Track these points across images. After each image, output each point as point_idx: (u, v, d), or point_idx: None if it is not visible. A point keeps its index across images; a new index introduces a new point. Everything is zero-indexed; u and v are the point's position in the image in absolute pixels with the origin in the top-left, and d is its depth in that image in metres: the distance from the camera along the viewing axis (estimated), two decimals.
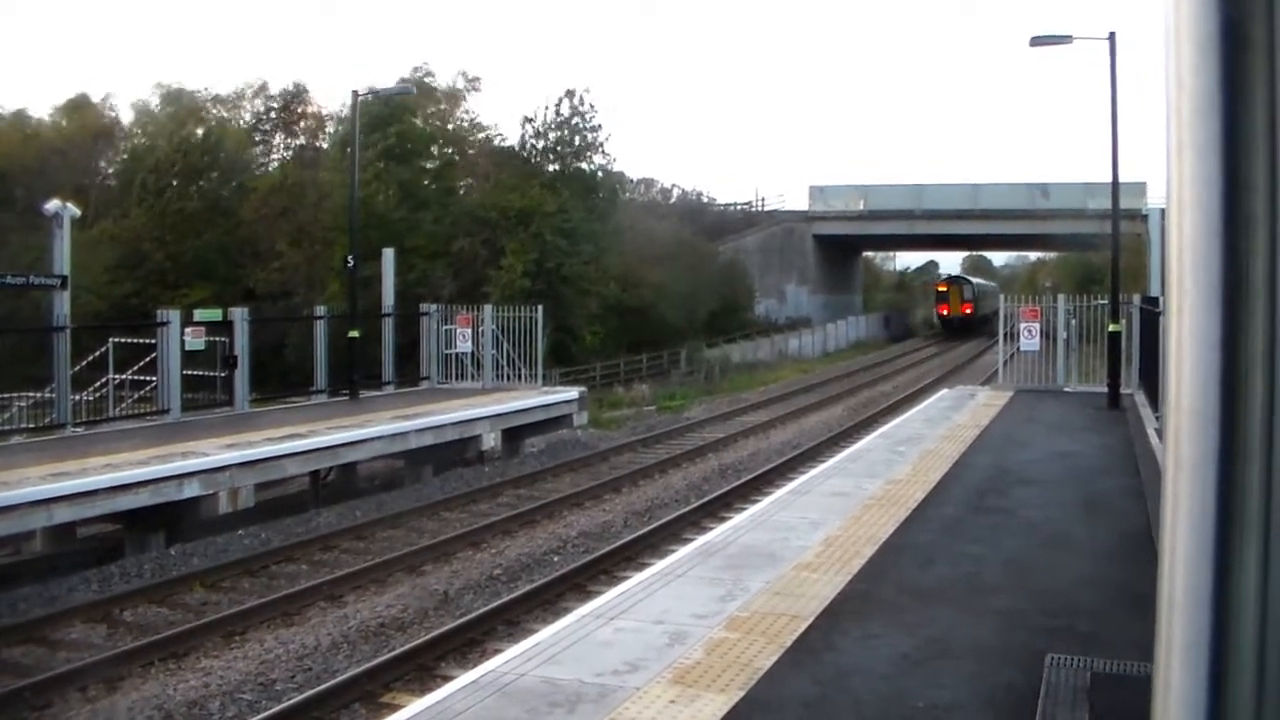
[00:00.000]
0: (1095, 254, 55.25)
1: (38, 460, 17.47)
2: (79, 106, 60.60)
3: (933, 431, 20.78)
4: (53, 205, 23.50)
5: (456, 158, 54.25)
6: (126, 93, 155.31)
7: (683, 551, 12.25)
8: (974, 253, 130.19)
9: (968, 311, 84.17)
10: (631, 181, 71.37)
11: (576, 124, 52.05)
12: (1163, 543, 1.14)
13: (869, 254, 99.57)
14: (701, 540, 12.74)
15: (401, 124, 48.53)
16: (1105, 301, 26.73)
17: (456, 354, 31.02)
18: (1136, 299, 27.49)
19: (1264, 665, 1.09)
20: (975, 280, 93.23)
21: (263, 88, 59.61)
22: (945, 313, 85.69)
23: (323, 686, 11.38)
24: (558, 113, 51.96)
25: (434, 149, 53.33)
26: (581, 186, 51.61)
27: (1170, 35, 1.14)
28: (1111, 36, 24.35)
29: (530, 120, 52.22)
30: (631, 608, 9.79)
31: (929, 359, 64.11)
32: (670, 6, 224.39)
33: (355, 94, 30.30)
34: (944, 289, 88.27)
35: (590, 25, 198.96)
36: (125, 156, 59.18)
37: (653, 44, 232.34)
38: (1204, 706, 1.09)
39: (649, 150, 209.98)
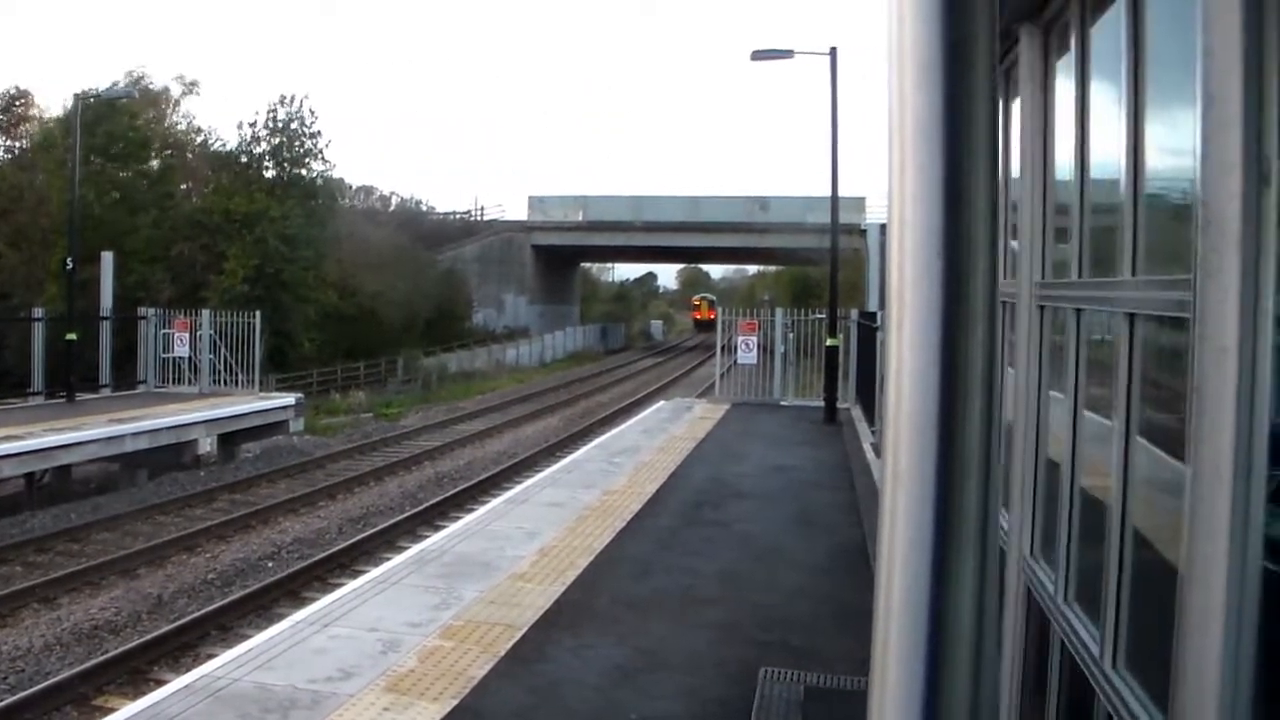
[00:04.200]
0: (814, 268, 56.52)
1: None
2: None
3: (650, 443, 20.92)
4: None
5: (175, 162, 53.03)
6: None
7: (398, 559, 12.31)
8: (692, 265, 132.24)
9: (712, 317, 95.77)
10: (351, 188, 70.73)
11: (295, 130, 51.71)
12: (880, 554, 1.13)
13: (587, 265, 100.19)
14: (417, 548, 12.83)
15: (111, 124, 47.36)
16: (823, 315, 26.98)
17: (174, 358, 30.78)
18: (854, 314, 28.12)
19: (979, 676, 1.11)
20: (714, 297, 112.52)
21: None
22: (698, 317, 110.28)
23: (35, 689, 11.45)
24: (274, 119, 51.58)
25: (151, 151, 52.10)
26: (301, 192, 51.21)
27: (893, 54, 1.13)
28: (833, 52, 24.80)
29: (252, 125, 51.50)
30: (346, 615, 9.81)
31: (646, 370, 65.19)
32: (394, 17, 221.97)
33: (78, 96, 29.92)
34: (698, 302, 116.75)
35: (313, 33, 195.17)
36: None
37: (375, 53, 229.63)
38: (919, 717, 1.09)
39: (369, 158, 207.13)
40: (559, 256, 79.51)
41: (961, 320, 1.11)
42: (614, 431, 24.60)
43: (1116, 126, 4.09)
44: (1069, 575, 4.84)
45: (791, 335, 28.59)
